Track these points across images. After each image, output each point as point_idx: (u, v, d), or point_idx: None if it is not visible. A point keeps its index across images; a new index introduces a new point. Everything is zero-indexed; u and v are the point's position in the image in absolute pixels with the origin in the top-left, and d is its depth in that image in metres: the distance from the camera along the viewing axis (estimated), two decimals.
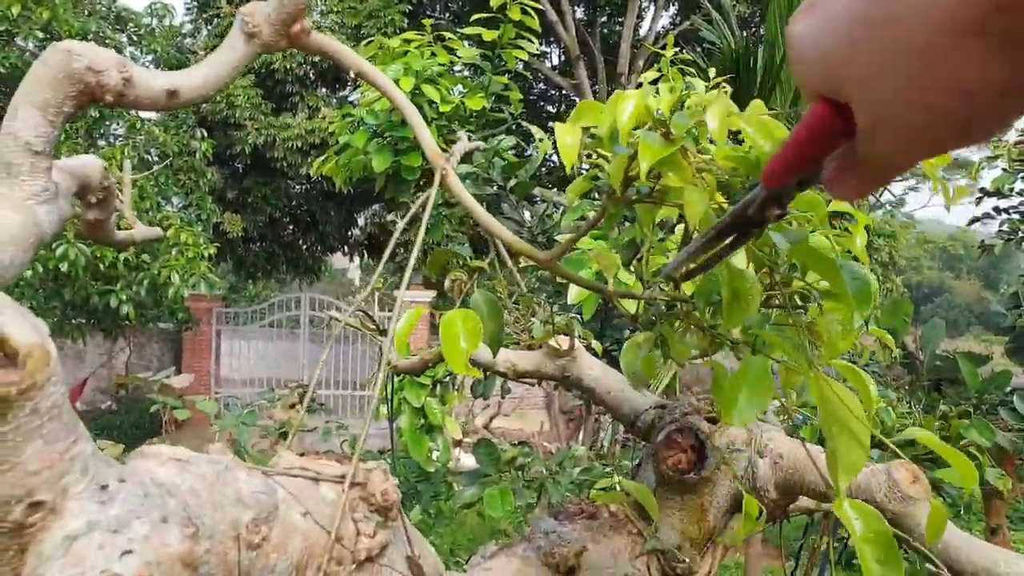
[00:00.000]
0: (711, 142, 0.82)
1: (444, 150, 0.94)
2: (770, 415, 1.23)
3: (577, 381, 1.43)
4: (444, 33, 4.53)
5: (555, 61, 14.67)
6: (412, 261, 0.86)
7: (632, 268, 0.91)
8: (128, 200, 1.22)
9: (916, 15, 0.35)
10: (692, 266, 0.73)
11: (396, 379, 4.27)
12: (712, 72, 4.41)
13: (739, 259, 0.85)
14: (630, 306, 0.96)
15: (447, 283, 0.89)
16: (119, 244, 1.13)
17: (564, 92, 13.59)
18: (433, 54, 4.38)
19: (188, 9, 11.76)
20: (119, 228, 1.23)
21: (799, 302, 1.01)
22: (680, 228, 0.89)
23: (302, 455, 0.88)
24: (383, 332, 2.23)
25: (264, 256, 13.20)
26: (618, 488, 1.21)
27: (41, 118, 0.77)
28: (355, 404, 11.05)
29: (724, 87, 2.94)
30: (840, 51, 0.40)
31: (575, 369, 1.43)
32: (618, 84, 12.15)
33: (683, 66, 4.59)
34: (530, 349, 1.51)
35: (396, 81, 4.20)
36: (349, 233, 13.83)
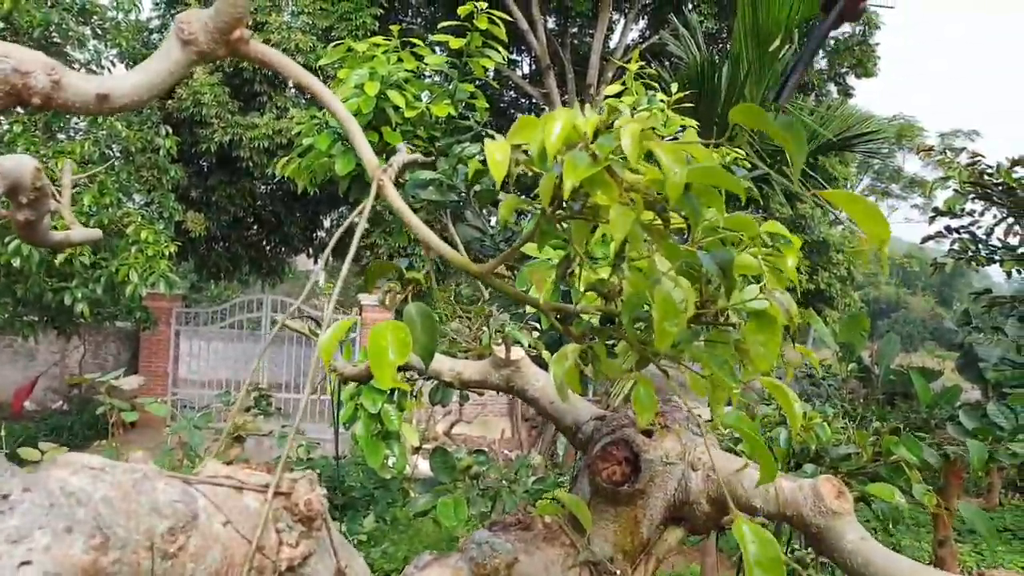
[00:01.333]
0: (647, 161, 0.84)
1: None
2: (704, 428, 1.25)
3: (521, 391, 1.44)
4: (412, 39, 4.53)
5: (526, 70, 14.73)
6: (345, 268, 0.86)
7: (565, 282, 0.93)
8: (67, 200, 1.20)
9: None
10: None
11: (354, 386, 4.24)
12: (675, 87, 4.46)
13: (669, 279, 0.87)
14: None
15: (380, 294, 0.89)
16: (55, 245, 1.11)
17: (534, 101, 13.65)
18: (400, 60, 4.38)
19: (156, 4, 11.57)
20: (57, 228, 1.21)
21: (731, 319, 1.03)
22: (613, 245, 0.91)
23: (230, 463, 0.88)
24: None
25: (227, 256, 13.01)
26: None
27: None
28: (314, 409, 10.92)
29: (679, 96, 2.98)
30: None
31: (519, 379, 1.44)
32: (587, 95, 12.25)
33: (648, 80, 4.65)
34: (480, 358, 1.52)
35: (360, 86, 4.19)
36: (314, 235, 13.70)
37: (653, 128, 0.80)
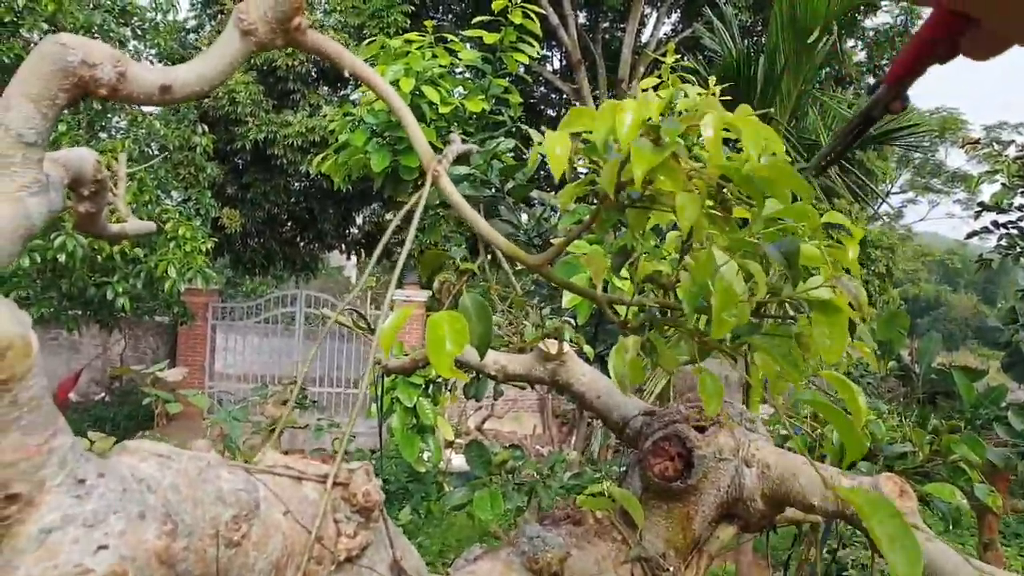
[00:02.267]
0: (702, 148, 0.83)
1: (438, 150, 0.93)
2: (758, 425, 1.23)
3: (566, 386, 1.43)
4: (446, 35, 4.53)
5: (556, 65, 14.68)
6: (402, 259, 0.86)
7: (624, 273, 0.91)
8: (122, 193, 1.22)
9: None
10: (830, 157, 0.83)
11: (389, 379, 4.27)
12: (712, 80, 4.42)
13: (730, 268, 0.85)
14: (623, 311, 0.96)
15: (436, 285, 0.89)
16: (112, 237, 1.13)
17: (564, 96, 13.60)
18: (434, 55, 4.38)
19: (193, 4, 11.75)
20: (114, 221, 1.23)
21: (790, 312, 1.01)
22: (671, 235, 0.89)
23: (287, 453, 0.88)
24: (373, 331, 2.21)
25: (262, 252, 13.19)
26: (605, 494, 1.21)
27: (34, 110, 0.77)
28: (349, 402, 11.03)
29: (714, 91, 2.94)
30: None
31: (564, 374, 1.43)
32: (618, 90, 12.17)
33: (683, 73, 4.61)
34: (521, 352, 1.51)
35: (396, 82, 4.21)
36: (347, 232, 13.83)
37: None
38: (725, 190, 0.81)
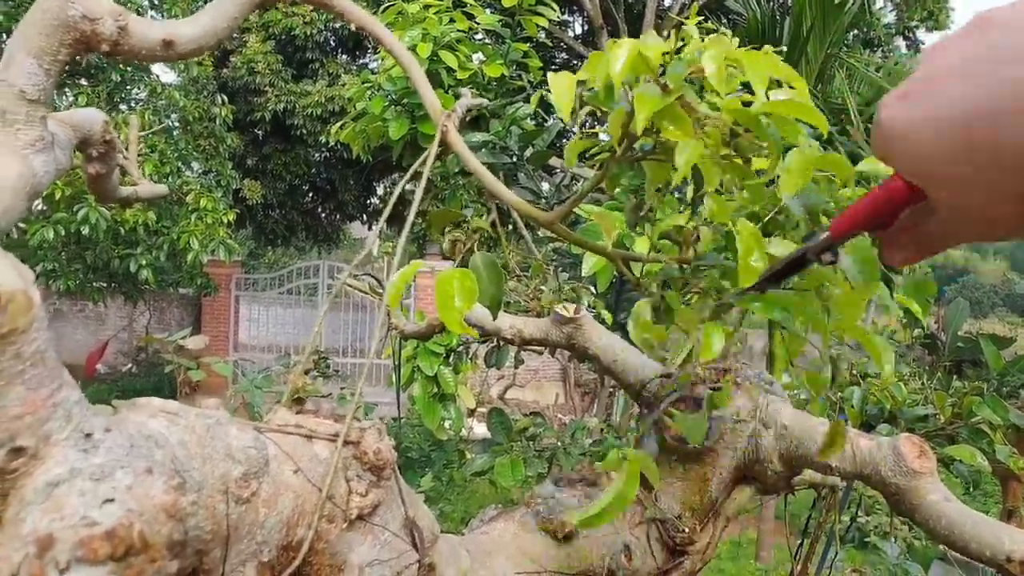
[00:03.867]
0: (716, 93, 0.79)
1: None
2: (777, 387, 1.21)
3: (583, 349, 1.41)
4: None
5: (578, 31, 14.45)
6: (411, 219, 0.84)
7: (639, 230, 0.89)
8: (134, 156, 1.22)
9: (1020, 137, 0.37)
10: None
11: (410, 347, 4.29)
12: (735, 42, 4.32)
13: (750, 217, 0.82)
14: (639, 271, 0.94)
15: (446, 243, 0.87)
16: (123, 200, 1.12)
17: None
18: (452, 20, 4.32)
19: None
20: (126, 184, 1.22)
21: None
22: (690, 190, 0.87)
23: (298, 412, 0.88)
24: None
25: (283, 223, 13.25)
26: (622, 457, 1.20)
27: (36, 66, 0.76)
28: (373, 372, 11.13)
29: (724, 32, 2.88)
30: (934, 149, 0.42)
31: (581, 337, 1.41)
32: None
33: (706, 36, 4.47)
34: (538, 316, 1.50)
35: (413, 47, 4.16)
36: (368, 202, 13.83)
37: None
38: (739, 137, 0.78)
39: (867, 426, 1.50)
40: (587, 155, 0.81)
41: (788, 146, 0.81)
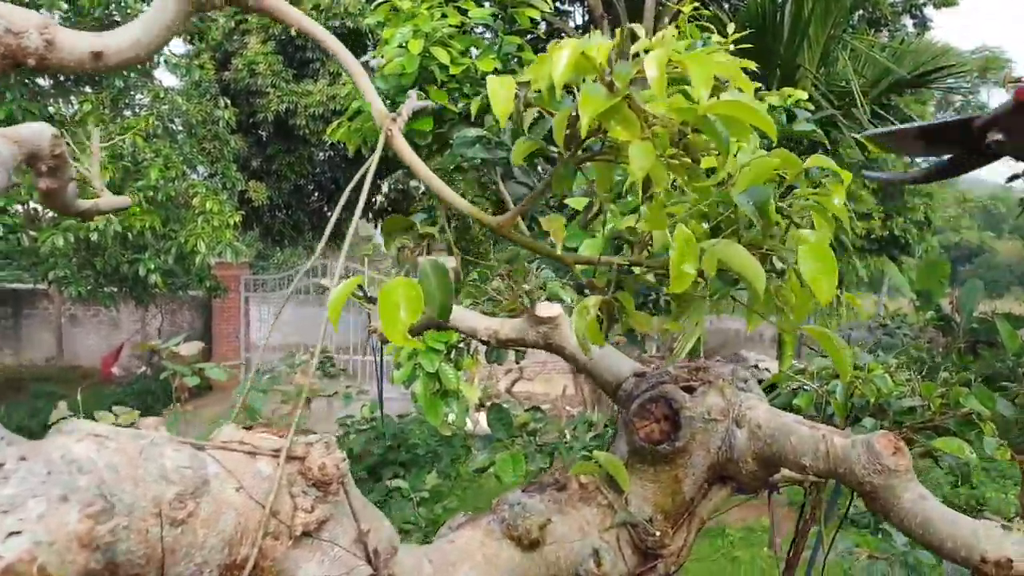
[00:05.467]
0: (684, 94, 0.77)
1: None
2: (752, 384, 1.18)
3: (559, 348, 1.39)
4: None
5: (579, 20, 14.35)
6: (354, 224, 0.82)
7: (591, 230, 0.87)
8: (96, 169, 1.21)
9: None
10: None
11: (411, 345, 4.28)
12: (732, 28, 4.23)
13: (695, 218, 0.80)
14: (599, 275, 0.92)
15: (394, 250, 0.86)
16: (83, 214, 1.11)
17: None
18: (444, 15, 4.29)
19: None
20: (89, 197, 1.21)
21: (773, 265, 0.96)
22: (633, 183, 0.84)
23: (248, 428, 0.86)
24: (371, 300, 2.20)
25: (290, 224, 13.27)
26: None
27: None
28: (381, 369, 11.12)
29: (731, 40, 2.83)
30: None
31: (557, 336, 1.39)
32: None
33: (703, 23, 4.44)
34: (513, 315, 1.48)
35: (404, 44, 4.13)
36: (373, 199, 13.82)
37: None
38: (688, 136, 0.76)
39: (854, 419, 1.47)
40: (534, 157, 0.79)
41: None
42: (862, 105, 8.15)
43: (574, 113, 0.72)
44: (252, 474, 0.77)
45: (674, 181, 0.81)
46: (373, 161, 0.82)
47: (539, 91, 0.77)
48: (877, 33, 12.50)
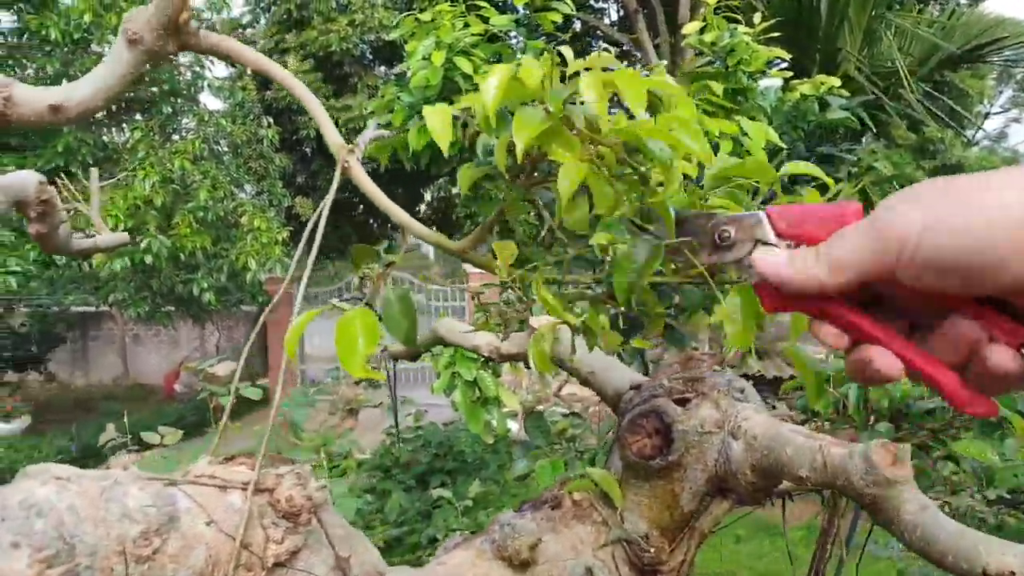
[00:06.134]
0: (626, 112, 0.76)
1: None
2: (749, 393, 1.15)
3: (560, 362, 1.38)
4: (478, 3, 4.44)
5: (614, 17, 14.25)
6: (314, 252, 0.83)
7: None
8: (96, 208, 1.25)
9: None
10: None
11: (448, 354, 4.32)
12: (758, 17, 4.13)
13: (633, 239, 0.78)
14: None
15: (356, 279, 0.86)
16: (81, 253, 1.15)
17: (625, 48, 13.19)
18: (466, 24, 4.31)
19: (246, 0, 12.02)
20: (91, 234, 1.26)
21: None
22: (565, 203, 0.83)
23: (231, 459, 0.88)
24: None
25: (336, 237, 13.54)
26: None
27: None
28: (423, 377, 11.23)
29: (760, 28, 2.76)
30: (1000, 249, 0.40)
31: (558, 350, 1.38)
32: (678, 35, 11.69)
33: (732, 13, 4.34)
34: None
35: (428, 56, 4.17)
36: (417, 209, 14.00)
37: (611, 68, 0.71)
38: (633, 154, 0.75)
39: (873, 423, 1.42)
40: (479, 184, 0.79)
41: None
42: (909, 84, 7.86)
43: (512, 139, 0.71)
44: (224, 507, 0.79)
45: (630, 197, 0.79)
46: (331, 192, 0.83)
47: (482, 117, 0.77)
48: (925, 9, 12.05)
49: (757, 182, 0.89)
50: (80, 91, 0.80)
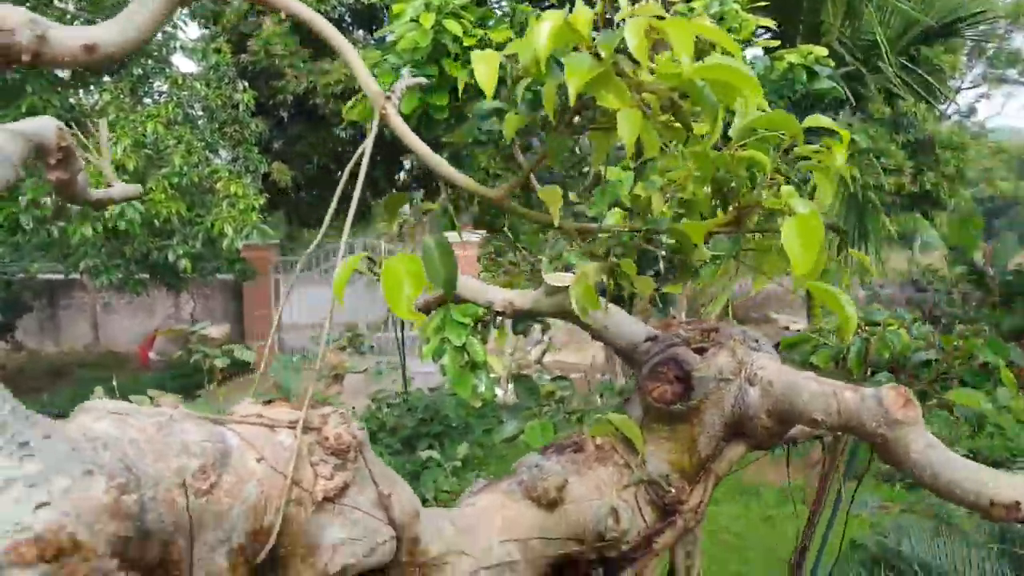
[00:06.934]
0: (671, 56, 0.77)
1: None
2: (764, 343, 1.19)
3: (573, 317, 1.41)
4: None
5: None
6: (355, 202, 0.84)
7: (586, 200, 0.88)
8: (107, 159, 1.24)
9: None
10: None
11: (438, 319, 4.31)
12: None
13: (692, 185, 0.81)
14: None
15: (395, 227, 0.88)
16: (96, 203, 1.15)
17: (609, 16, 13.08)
18: None
19: None
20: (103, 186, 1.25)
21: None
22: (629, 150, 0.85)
23: (269, 402, 0.90)
24: None
25: (315, 204, 13.37)
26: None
27: None
28: (412, 345, 11.24)
29: None
30: None
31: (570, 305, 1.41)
32: (667, 4, 11.63)
33: None
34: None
35: (416, 18, 4.11)
36: (396, 177, 13.85)
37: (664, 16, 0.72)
38: (679, 102, 0.76)
39: (872, 374, 1.47)
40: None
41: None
42: (888, 58, 7.93)
43: (562, 84, 0.72)
44: (272, 445, 0.81)
45: (672, 145, 0.81)
46: (369, 141, 0.84)
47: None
48: None
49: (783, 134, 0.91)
50: (113, 31, 0.79)
